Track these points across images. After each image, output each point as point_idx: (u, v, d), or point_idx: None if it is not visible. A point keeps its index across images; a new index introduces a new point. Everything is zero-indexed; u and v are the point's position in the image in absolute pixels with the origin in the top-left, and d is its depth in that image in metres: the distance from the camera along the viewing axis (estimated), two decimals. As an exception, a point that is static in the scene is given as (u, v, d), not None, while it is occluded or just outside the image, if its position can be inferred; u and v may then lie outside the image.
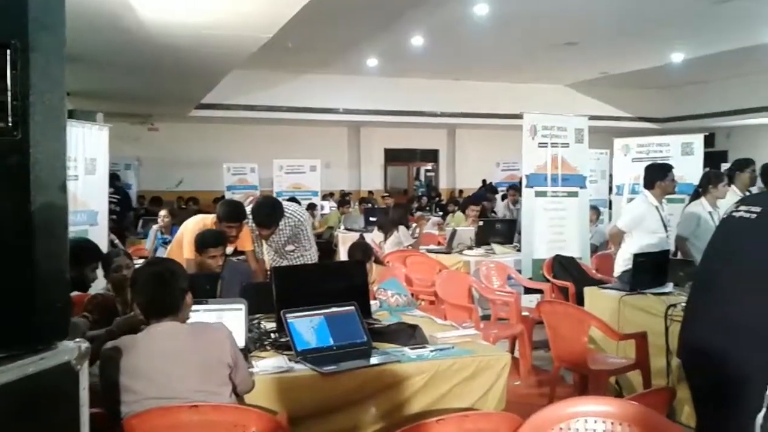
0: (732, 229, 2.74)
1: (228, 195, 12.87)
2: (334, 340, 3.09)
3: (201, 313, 2.87)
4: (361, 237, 7.95)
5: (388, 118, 15.90)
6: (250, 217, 4.73)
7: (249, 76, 13.35)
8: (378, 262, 5.52)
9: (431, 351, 3.07)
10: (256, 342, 3.16)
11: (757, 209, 2.65)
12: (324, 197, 14.30)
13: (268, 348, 3.12)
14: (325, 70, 14.43)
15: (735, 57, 12.68)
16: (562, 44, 11.99)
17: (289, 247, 4.88)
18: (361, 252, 5.02)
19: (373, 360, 2.95)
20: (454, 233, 7.53)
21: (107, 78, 9.98)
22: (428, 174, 19.94)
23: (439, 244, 8.28)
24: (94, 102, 11.63)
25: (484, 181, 16.07)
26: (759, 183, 5.70)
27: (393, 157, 18.73)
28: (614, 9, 9.68)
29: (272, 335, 3.27)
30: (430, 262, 6.62)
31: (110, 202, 7.53)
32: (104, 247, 6.05)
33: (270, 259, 4.99)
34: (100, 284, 3.95)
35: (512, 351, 5.41)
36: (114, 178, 10.31)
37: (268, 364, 2.85)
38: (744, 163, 5.83)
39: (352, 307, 3.23)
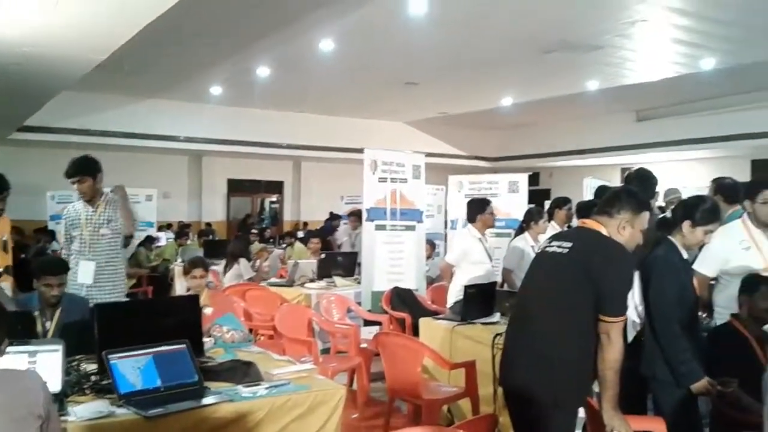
0: (545, 264, 2.97)
1: (51, 225, 11.93)
2: (162, 380, 2.93)
3: (11, 356, 2.61)
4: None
5: (231, 147, 15.61)
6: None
7: (80, 98, 12.55)
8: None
9: (266, 388, 3.01)
10: (74, 386, 2.92)
11: (568, 244, 2.89)
12: (160, 228, 13.67)
13: (88, 392, 2.89)
14: (165, 96, 13.93)
15: (558, 103, 13.92)
16: (403, 84, 12.50)
17: (104, 231, 4.56)
18: (198, 263, 4.92)
19: (204, 400, 2.84)
20: (296, 266, 7.50)
21: None
22: (273, 206, 19.77)
23: (281, 276, 8.20)
24: None
25: (331, 213, 16.22)
26: (575, 220, 6.24)
27: (236, 187, 18.37)
28: (452, 53, 10.26)
29: (92, 378, 3.03)
30: (270, 296, 6.54)
31: None
32: None
33: (74, 258, 4.58)
34: None
35: (351, 383, 5.45)
36: None
37: (86, 409, 2.64)
38: (562, 201, 6.37)
39: (183, 346, 3.09)
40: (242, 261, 7.59)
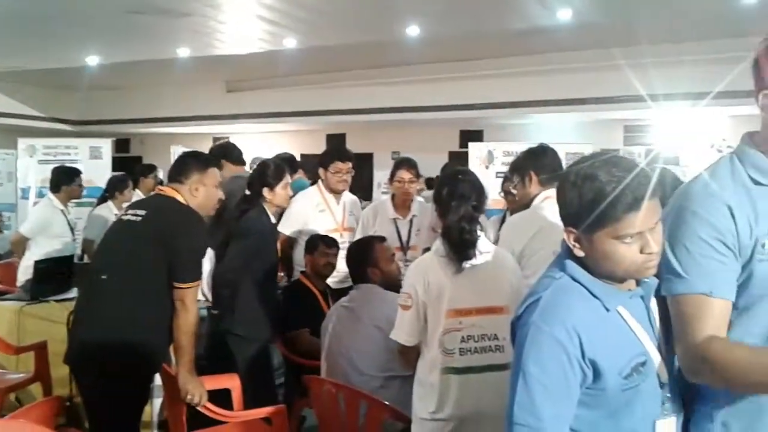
0: (120, 232, 2.89)
1: None
2: None
3: None
4: None
5: None
6: None
7: None
8: None
9: None
10: None
11: (143, 212, 2.85)
12: None
13: None
14: None
15: (151, 67, 13.45)
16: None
17: None
18: None
19: None
20: None
21: None
22: None
23: None
24: None
25: None
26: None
27: None
28: (23, 2, 9.03)
29: None
30: None
31: None
32: None
33: None
34: None
35: None
36: None
37: None
38: (147, 169, 6.30)
39: None
40: None
